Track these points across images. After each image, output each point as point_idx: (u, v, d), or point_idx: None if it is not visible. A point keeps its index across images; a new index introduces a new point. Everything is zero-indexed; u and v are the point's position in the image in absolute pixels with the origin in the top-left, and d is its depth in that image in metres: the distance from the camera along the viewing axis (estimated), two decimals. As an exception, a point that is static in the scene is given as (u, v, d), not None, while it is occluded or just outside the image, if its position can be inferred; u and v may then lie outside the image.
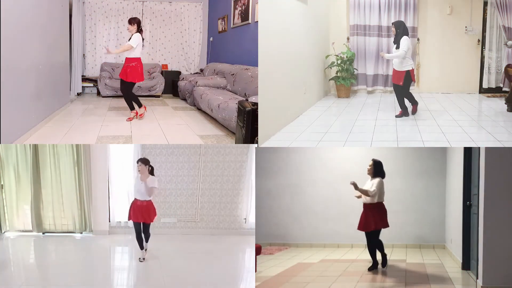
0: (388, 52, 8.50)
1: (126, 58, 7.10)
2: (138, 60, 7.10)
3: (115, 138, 6.33)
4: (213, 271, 5.08)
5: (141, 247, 5.46)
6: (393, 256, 6.52)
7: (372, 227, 5.46)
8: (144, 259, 5.42)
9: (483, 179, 4.52)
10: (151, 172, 5.44)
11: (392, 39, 9.35)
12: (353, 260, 6.30)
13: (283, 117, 6.42)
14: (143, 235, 5.48)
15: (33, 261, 5.74)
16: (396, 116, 6.86)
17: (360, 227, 5.54)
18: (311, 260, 6.32)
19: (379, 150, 7.30)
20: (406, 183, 7.35)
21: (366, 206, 5.53)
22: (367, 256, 5.99)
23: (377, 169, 5.56)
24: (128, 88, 7.33)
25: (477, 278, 4.69)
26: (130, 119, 7.42)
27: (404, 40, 6.60)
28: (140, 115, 7.50)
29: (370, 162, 5.61)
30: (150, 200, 5.43)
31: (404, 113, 6.89)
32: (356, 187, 5.45)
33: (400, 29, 6.68)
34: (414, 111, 6.96)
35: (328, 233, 7.55)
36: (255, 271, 5.16)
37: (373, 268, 5.56)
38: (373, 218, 5.46)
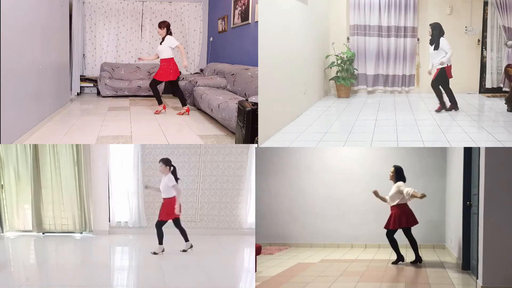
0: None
1: (161, 60, 7.96)
2: (171, 60, 7.93)
3: (115, 138, 6.34)
4: (213, 271, 5.08)
5: (160, 243, 5.68)
6: (393, 256, 6.51)
7: (403, 224, 5.85)
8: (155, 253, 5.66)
9: (483, 179, 4.51)
10: (173, 172, 5.68)
11: (392, 39, 9.48)
12: (353, 260, 6.29)
13: (283, 117, 6.42)
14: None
15: (33, 261, 5.74)
16: (436, 111, 7.18)
17: (388, 225, 5.92)
18: (311, 260, 6.32)
19: (379, 150, 7.31)
20: (406, 183, 7.32)
21: (395, 207, 5.91)
22: (367, 256, 5.99)
23: (398, 175, 5.94)
24: (175, 86, 8.24)
25: (477, 278, 4.69)
26: (180, 114, 8.16)
27: (445, 41, 7.11)
28: (158, 111, 8.30)
29: (392, 169, 5.98)
30: (170, 198, 5.65)
31: (442, 107, 7.20)
32: (377, 195, 5.96)
33: (436, 31, 7.14)
34: (438, 109, 7.23)
35: (328, 233, 7.54)
36: (255, 271, 5.16)
37: (397, 261, 5.91)
38: (403, 217, 5.86)
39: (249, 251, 6.04)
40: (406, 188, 5.77)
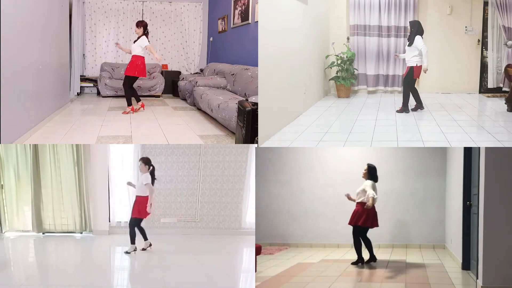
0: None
1: (133, 56, 7.99)
2: (141, 58, 7.97)
3: (115, 138, 6.34)
4: (213, 271, 5.08)
5: (132, 242, 5.75)
6: (393, 256, 6.52)
7: (360, 223, 5.82)
8: (130, 252, 5.71)
9: (483, 179, 4.52)
10: (152, 172, 5.74)
11: (392, 39, 9.49)
12: (353, 260, 6.28)
13: (283, 117, 6.42)
14: (137, 230, 5.82)
15: (33, 261, 5.74)
16: (396, 111, 7.24)
17: (351, 222, 5.92)
18: (311, 260, 6.32)
19: (379, 150, 7.31)
20: (406, 183, 7.34)
21: (359, 204, 5.88)
22: (367, 256, 5.98)
23: (371, 174, 5.90)
24: (129, 82, 8.15)
25: (477, 278, 4.69)
26: (125, 113, 8.13)
27: (420, 39, 7.03)
28: (136, 109, 8.30)
29: (365, 167, 5.94)
30: (143, 197, 5.73)
31: (404, 109, 7.20)
32: (349, 198, 5.96)
33: (415, 28, 7.09)
34: (415, 109, 7.31)
35: (328, 233, 7.54)
36: (255, 271, 5.16)
37: (357, 263, 5.87)
38: (366, 216, 5.80)
39: (249, 251, 6.04)
40: (371, 190, 5.74)
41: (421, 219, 7.32)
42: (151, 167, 5.76)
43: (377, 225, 5.91)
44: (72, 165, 6.60)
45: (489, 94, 9.02)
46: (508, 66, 8.10)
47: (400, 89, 9.58)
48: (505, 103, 7.26)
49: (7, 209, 6.66)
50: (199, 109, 8.62)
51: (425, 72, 7.20)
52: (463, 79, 9.35)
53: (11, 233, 6.70)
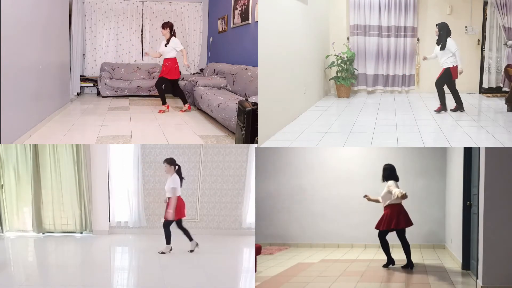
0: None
1: (165, 59, 8.24)
2: (174, 59, 8.21)
3: (115, 138, 6.34)
4: (213, 271, 5.08)
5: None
6: (393, 256, 6.50)
7: (393, 225, 5.58)
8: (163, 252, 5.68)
9: (483, 179, 4.52)
10: (178, 171, 5.69)
11: (392, 39, 9.49)
12: (353, 260, 6.30)
13: (283, 117, 6.42)
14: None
15: (33, 261, 5.74)
16: (435, 111, 7.19)
17: (378, 226, 5.71)
18: (311, 260, 6.32)
19: (379, 150, 7.31)
20: (406, 183, 7.31)
21: (387, 207, 5.66)
22: (367, 256, 5.99)
23: (387, 174, 5.71)
24: (176, 85, 8.49)
25: (477, 278, 4.69)
26: (182, 111, 8.39)
27: (452, 41, 7.04)
28: (160, 111, 8.40)
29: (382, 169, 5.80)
30: (177, 197, 5.67)
31: (442, 108, 7.17)
32: (369, 199, 5.86)
33: (444, 31, 7.08)
34: (438, 110, 7.21)
35: (328, 233, 7.54)
36: (255, 271, 5.16)
37: (388, 265, 5.72)
38: (394, 218, 5.58)
39: (249, 251, 6.04)
40: (395, 189, 5.52)
41: (421, 219, 7.31)
42: (177, 167, 5.69)
43: (411, 224, 5.65)
44: (72, 165, 6.61)
45: (489, 94, 9.02)
46: (508, 66, 8.10)
47: (400, 89, 9.59)
48: (505, 103, 7.26)
49: (7, 209, 6.67)
50: (199, 109, 8.62)
51: (460, 74, 7.13)
52: (463, 79, 9.30)
53: (11, 233, 6.70)
